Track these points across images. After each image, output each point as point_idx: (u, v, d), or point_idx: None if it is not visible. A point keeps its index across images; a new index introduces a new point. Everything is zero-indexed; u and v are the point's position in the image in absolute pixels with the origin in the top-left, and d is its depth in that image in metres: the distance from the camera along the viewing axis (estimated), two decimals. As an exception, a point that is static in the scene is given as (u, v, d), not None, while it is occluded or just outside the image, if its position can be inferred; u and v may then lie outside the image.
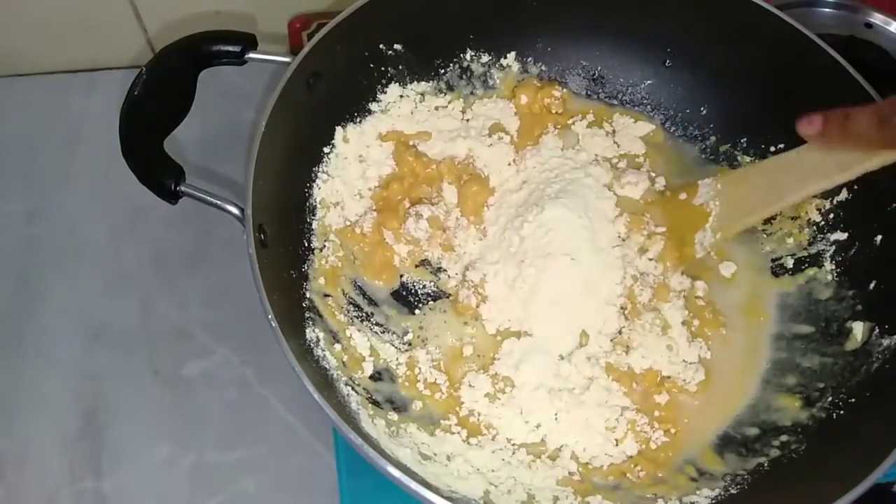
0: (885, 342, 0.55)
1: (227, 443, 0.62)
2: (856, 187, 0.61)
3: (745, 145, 0.68)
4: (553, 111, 0.71)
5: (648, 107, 0.72)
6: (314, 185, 0.63)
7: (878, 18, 0.77)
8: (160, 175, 0.54)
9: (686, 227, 0.63)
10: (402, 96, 0.69)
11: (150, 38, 0.78)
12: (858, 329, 0.58)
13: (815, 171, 0.55)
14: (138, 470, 0.61)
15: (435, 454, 0.54)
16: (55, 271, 0.69)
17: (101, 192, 0.73)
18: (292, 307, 0.56)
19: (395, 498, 0.48)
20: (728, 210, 0.61)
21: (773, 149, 0.66)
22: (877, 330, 0.57)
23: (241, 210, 0.52)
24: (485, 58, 0.71)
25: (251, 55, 0.59)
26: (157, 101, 0.56)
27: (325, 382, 0.52)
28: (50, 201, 0.73)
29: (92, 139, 0.76)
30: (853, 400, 0.55)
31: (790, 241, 0.65)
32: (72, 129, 0.77)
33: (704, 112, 0.70)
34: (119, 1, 0.74)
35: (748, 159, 0.68)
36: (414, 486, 0.45)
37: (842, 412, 0.54)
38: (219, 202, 0.53)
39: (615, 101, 0.73)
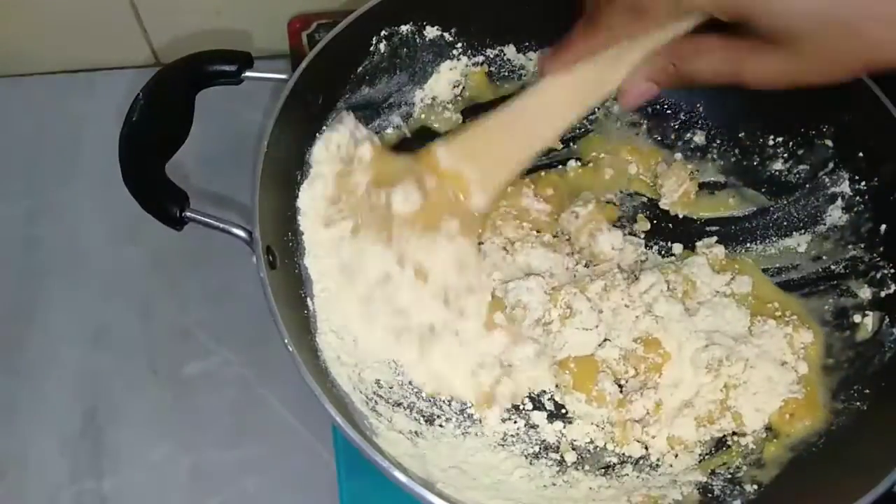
0: None
1: (227, 443, 0.62)
2: (862, 183, 0.61)
3: (742, 139, 0.68)
4: None
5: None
6: None
7: (878, 18, 0.76)
8: (164, 202, 0.53)
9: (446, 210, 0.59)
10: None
11: (150, 39, 0.78)
12: (869, 319, 0.58)
13: (571, 98, 0.54)
14: (138, 470, 0.61)
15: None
16: (55, 272, 0.69)
17: (102, 192, 0.73)
18: (304, 326, 0.55)
19: (395, 498, 0.48)
20: (483, 171, 0.58)
21: (771, 142, 0.66)
22: (887, 319, 0.57)
23: (249, 233, 0.51)
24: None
25: (248, 74, 0.58)
26: (155, 125, 0.55)
27: (342, 403, 0.52)
28: (50, 202, 0.73)
29: (92, 140, 0.76)
30: (868, 391, 0.55)
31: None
32: (72, 129, 0.77)
33: (700, 108, 0.70)
34: (119, 1, 0.74)
35: (742, 160, 0.69)
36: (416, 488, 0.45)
37: (858, 403, 0.54)
38: (226, 227, 0.52)
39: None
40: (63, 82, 0.80)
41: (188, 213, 0.53)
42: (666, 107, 0.71)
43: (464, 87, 0.71)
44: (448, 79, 0.70)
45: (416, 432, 0.55)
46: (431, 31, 0.67)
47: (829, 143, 0.62)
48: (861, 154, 0.60)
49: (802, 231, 0.65)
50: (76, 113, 0.78)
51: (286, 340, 0.48)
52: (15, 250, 0.70)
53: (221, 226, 0.52)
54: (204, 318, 0.67)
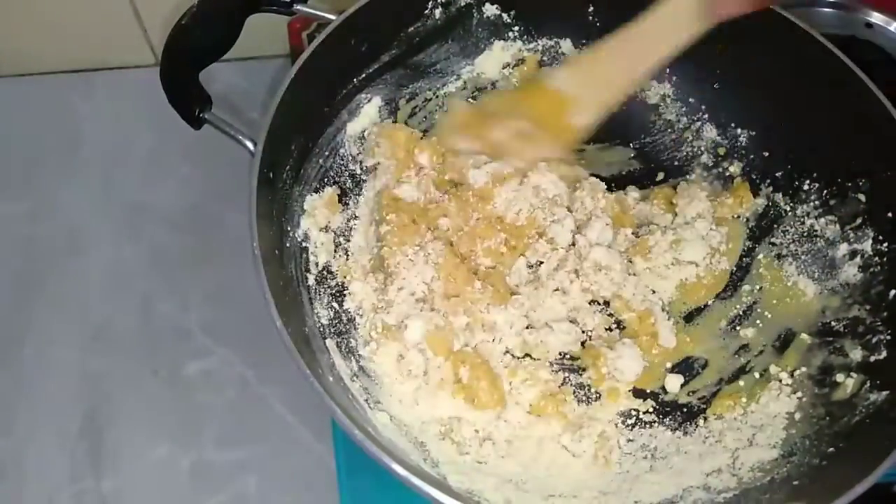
0: (872, 397, 0.54)
1: (226, 443, 0.62)
2: (885, 244, 0.60)
3: (779, 178, 0.67)
4: None
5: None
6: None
7: (878, 18, 0.76)
8: (188, 99, 0.56)
9: (552, 116, 0.62)
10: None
11: (149, 38, 0.79)
12: (850, 381, 0.57)
13: (677, 25, 0.56)
14: (138, 470, 0.61)
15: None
16: (55, 271, 0.69)
17: (101, 192, 0.74)
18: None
19: (395, 497, 0.48)
20: (589, 91, 0.61)
21: (806, 186, 0.65)
22: (868, 384, 0.56)
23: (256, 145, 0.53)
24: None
25: (299, 7, 0.60)
26: (201, 33, 0.57)
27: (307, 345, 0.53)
28: (50, 201, 0.73)
29: (92, 139, 0.76)
30: (826, 449, 0.53)
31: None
32: (72, 129, 0.77)
33: (743, 140, 0.69)
34: (119, 1, 0.74)
35: (739, 166, 0.69)
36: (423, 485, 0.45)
37: (816, 460, 0.53)
38: (236, 135, 0.55)
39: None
40: (63, 82, 0.80)
41: (207, 115, 0.56)
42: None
43: (512, 70, 0.71)
44: (499, 58, 0.71)
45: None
46: (490, 9, 0.68)
47: (862, 197, 0.61)
48: (890, 214, 0.59)
49: (815, 281, 0.63)
50: (76, 113, 0.78)
51: (255, 244, 0.50)
52: (15, 250, 0.70)
53: (232, 132, 0.55)
54: (204, 318, 0.67)
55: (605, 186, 0.67)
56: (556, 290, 0.62)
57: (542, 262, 0.63)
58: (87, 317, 0.67)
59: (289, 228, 0.59)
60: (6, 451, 0.62)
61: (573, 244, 0.64)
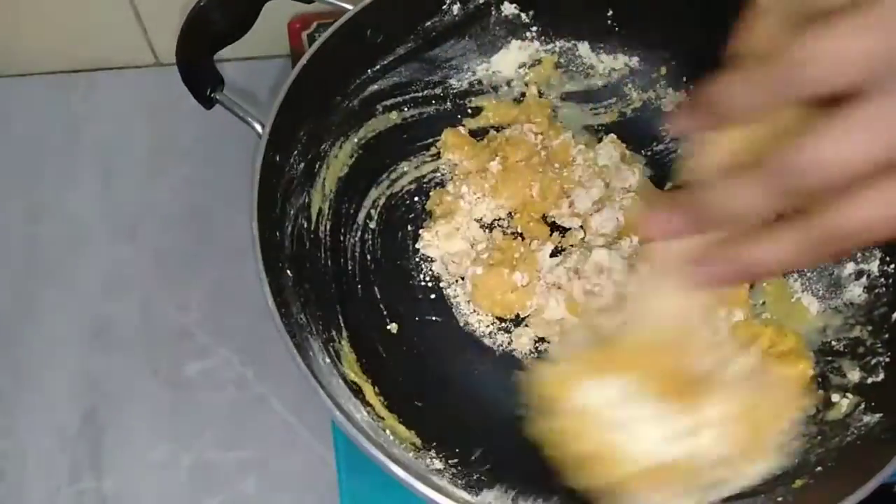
0: (866, 419, 0.54)
1: (226, 443, 0.62)
2: (892, 266, 0.59)
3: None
4: None
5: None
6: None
7: (878, 18, 0.76)
8: (201, 79, 0.58)
9: None
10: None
11: (150, 38, 0.78)
12: (846, 402, 0.56)
13: None
14: (138, 470, 0.61)
15: None
16: (55, 271, 0.69)
17: (101, 192, 0.73)
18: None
19: (396, 497, 0.48)
20: None
21: None
22: (863, 406, 0.55)
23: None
24: None
25: None
26: (218, 16, 0.58)
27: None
28: (50, 201, 0.73)
29: (92, 139, 0.76)
30: (815, 468, 0.53)
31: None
32: (72, 129, 0.77)
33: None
34: (119, 1, 0.74)
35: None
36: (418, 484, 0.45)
37: (802, 479, 0.53)
38: (246, 116, 0.56)
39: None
40: (63, 82, 0.80)
41: (218, 96, 0.58)
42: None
43: (529, 70, 0.72)
44: (516, 57, 0.71)
45: None
46: (509, 7, 0.68)
47: None
48: None
49: (819, 299, 0.62)
50: (76, 113, 0.78)
51: (253, 224, 0.50)
52: (15, 250, 0.70)
53: (241, 114, 0.56)
54: (204, 318, 0.67)
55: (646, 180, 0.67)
56: (559, 287, 0.62)
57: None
58: (87, 317, 0.67)
59: (293, 213, 0.59)
60: (6, 451, 0.62)
61: (582, 227, 0.64)
